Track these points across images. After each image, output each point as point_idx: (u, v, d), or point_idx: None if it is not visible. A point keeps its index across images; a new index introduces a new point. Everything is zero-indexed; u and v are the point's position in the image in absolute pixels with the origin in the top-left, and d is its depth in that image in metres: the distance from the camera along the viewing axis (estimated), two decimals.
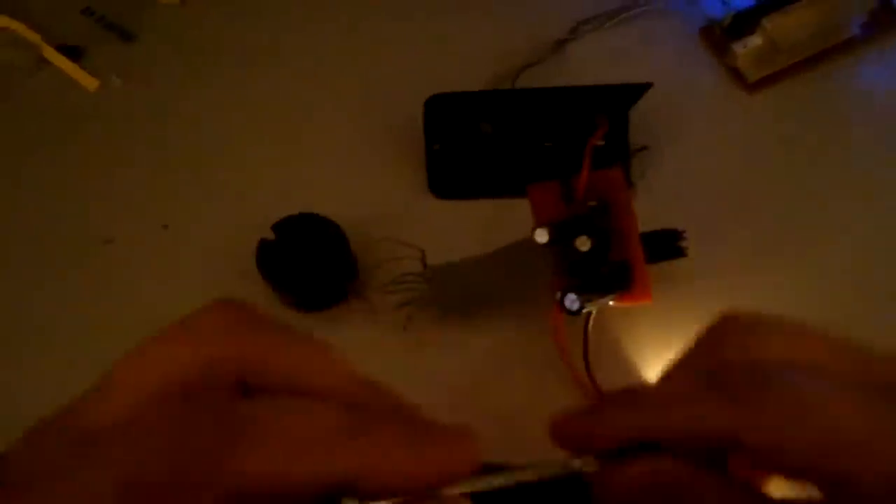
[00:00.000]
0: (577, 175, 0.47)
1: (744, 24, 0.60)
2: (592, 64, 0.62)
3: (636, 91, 0.52)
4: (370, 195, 0.58)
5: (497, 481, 0.26)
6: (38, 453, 0.25)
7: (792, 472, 0.27)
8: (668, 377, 0.31)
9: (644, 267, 0.45)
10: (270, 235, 0.53)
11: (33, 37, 0.65)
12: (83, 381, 0.52)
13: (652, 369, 0.50)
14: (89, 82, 0.64)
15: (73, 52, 0.66)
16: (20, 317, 0.56)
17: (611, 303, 0.46)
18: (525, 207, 0.49)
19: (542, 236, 0.44)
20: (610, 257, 0.45)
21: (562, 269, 0.45)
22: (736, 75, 0.60)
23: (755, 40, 0.60)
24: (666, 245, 0.47)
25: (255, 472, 0.22)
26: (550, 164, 0.55)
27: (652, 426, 0.28)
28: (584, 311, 0.45)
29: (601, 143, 0.50)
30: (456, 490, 0.24)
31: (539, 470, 0.26)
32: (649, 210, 0.48)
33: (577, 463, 0.27)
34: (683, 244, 0.48)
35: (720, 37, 0.61)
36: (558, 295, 0.45)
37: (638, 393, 0.30)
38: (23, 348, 0.55)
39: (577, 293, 0.44)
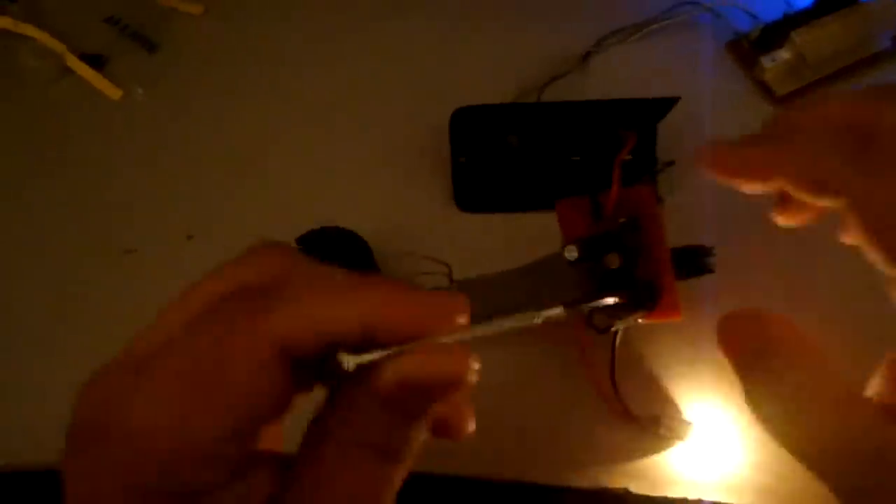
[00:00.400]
0: (606, 191, 0.46)
1: (772, 37, 0.60)
2: (618, 77, 0.62)
3: (664, 105, 0.52)
4: (395, 208, 0.58)
5: (482, 330, 0.28)
6: (100, 392, 0.28)
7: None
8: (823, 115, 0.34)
9: (674, 284, 0.44)
10: (295, 248, 0.53)
11: (57, 46, 0.65)
12: None
13: (679, 386, 0.49)
14: (112, 91, 0.64)
15: (97, 62, 0.66)
16: (40, 325, 0.56)
17: (640, 320, 0.46)
18: (551, 221, 0.49)
19: (571, 253, 0.43)
20: (639, 274, 0.44)
21: (590, 286, 0.45)
22: (764, 89, 0.60)
23: (784, 54, 0.59)
24: (694, 261, 0.47)
25: (292, 323, 0.26)
26: (577, 178, 0.55)
27: (795, 174, 0.33)
28: (612, 328, 0.45)
29: (629, 157, 0.50)
30: (451, 339, 0.27)
31: (520, 319, 0.30)
32: (676, 225, 0.47)
33: (551, 312, 0.30)
34: (711, 260, 0.47)
35: (748, 50, 0.61)
36: (586, 311, 0.44)
37: (792, 132, 0.34)
38: (42, 356, 0.55)
39: (604, 310, 0.44)
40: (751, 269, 0.52)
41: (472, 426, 0.30)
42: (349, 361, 0.26)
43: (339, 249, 0.52)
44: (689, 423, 0.48)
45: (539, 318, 0.30)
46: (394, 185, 0.59)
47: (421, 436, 0.29)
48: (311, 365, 0.27)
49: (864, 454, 0.28)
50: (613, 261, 0.43)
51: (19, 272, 0.58)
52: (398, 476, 0.29)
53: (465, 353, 0.27)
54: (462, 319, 0.28)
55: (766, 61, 0.59)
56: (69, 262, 0.58)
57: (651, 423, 0.48)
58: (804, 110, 0.35)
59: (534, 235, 0.54)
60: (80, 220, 0.60)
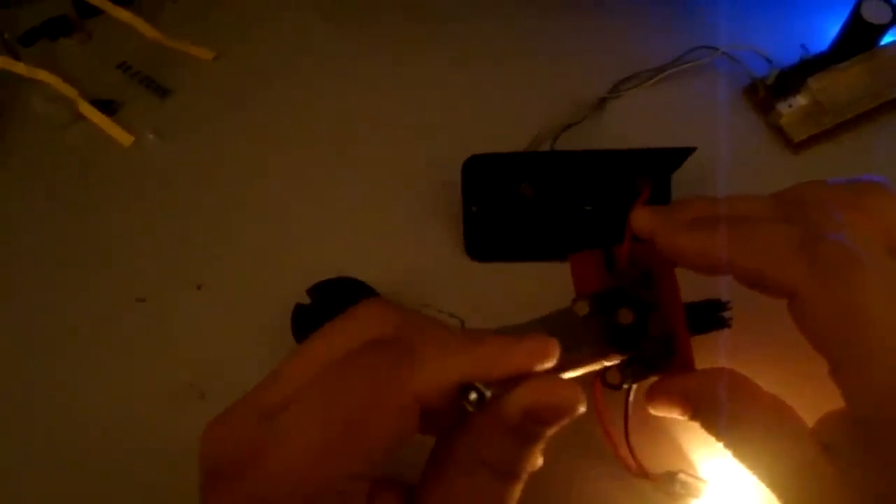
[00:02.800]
0: (620, 244, 0.45)
1: (789, 82, 0.59)
2: (634, 122, 0.61)
3: (679, 155, 0.51)
4: (406, 258, 0.57)
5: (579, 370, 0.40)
6: (230, 434, 0.32)
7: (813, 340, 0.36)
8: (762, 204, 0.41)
9: (689, 344, 0.43)
10: (305, 299, 0.52)
11: (70, 91, 0.65)
12: (115, 438, 0.52)
13: (693, 442, 0.49)
14: (124, 137, 0.64)
15: (108, 107, 0.65)
16: (49, 374, 0.56)
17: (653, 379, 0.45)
18: (564, 270, 0.48)
19: (582, 308, 0.42)
20: (652, 330, 0.43)
21: (603, 342, 0.44)
22: (780, 135, 0.59)
23: (800, 100, 0.58)
24: (709, 316, 0.46)
25: (429, 380, 0.31)
26: (591, 228, 0.54)
27: (733, 264, 0.38)
28: (625, 386, 0.44)
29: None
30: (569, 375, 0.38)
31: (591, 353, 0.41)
32: (691, 279, 0.46)
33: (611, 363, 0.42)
34: (727, 315, 0.46)
35: (764, 95, 0.60)
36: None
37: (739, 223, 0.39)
38: (53, 405, 0.55)
39: (617, 367, 0.43)
40: (767, 323, 0.51)
41: (541, 460, 0.36)
42: (487, 392, 0.31)
43: (349, 301, 0.52)
44: (705, 481, 0.47)
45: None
46: (405, 234, 0.58)
47: (537, 459, 0.35)
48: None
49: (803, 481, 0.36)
50: (626, 316, 0.42)
51: (28, 318, 0.58)
52: (516, 493, 0.34)
53: (578, 386, 0.33)
54: (555, 359, 0.34)
55: (783, 107, 0.59)
56: (80, 311, 0.58)
57: (665, 480, 0.47)
58: (756, 201, 0.41)
59: (546, 285, 0.53)
60: (91, 268, 0.59)
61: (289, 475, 0.29)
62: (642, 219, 0.42)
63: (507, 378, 0.32)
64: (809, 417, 0.38)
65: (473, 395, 0.31)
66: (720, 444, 0.40)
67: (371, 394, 0.30)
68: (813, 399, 0.38)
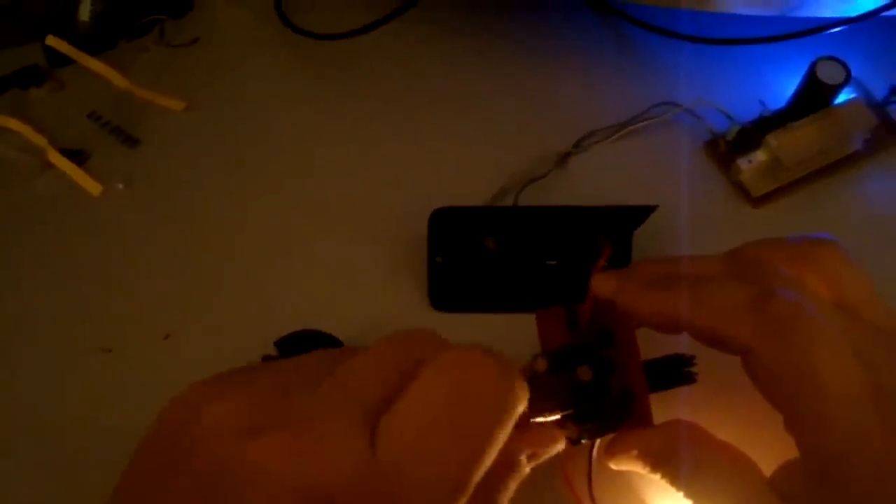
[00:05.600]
0: (582, 302, 0.46)
1: (748, 138, 0.61)
2: (597, 177, 0.62)
3: (641, 213, 0.52)
4: (372, 308, 0.58)
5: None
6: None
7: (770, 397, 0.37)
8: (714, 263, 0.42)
9: (647, 401, 0.44)
10: (273, 351, 0.52)
11: (39, 140, 0.65)
12: (81, 492, 0.52)
13: (657, 492, 0.49)
14: (92, 187, 0.64)
15: (78, 157, 0.66)
16: (13, 424, 0.55)
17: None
18: (527, 322, 0.49)
19: (541, 365, 0.43)
20: (612, 387, 0.44)
21: (562, 398, 0.44)
22: (740, 189, 0.60)
23: (760, 156, 0.60)
24: (673, 372, 0.46)
25: None
26: (554, 282, 0.55)
27: (689, 323, 0.39)
28: (583, 441, 0.44)
29: (605, 264, 0.50)
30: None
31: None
32: (656, 334, 0.47)
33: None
34: (693, 369, 0.47)
35: (725, 151, 0.61)
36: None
37: (695, 282, 0.40)
38: (17, 458, 0.54)
39: (576, 423, 0.43)
40: (731, 377, 0.51)
41: None
42: None
43: None
44: None
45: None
46: (370, 284, 0.59)
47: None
48: None
49: None
50: (585, 373, 0.43)
51: None
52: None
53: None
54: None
55: (743, 163, 0.60)
56: (44, 361, 0.57)
57: None
58: (709, 261, 0.42)
59: (508, 335, 0.53)
60: (57, 317, 0.59)
61: None
62: (602, 284, 0.43)
63: None
64: (769, 468, 0.39)
65: None
66: (682, 500, 0.41)
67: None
68: (773, 449, 0.39)
